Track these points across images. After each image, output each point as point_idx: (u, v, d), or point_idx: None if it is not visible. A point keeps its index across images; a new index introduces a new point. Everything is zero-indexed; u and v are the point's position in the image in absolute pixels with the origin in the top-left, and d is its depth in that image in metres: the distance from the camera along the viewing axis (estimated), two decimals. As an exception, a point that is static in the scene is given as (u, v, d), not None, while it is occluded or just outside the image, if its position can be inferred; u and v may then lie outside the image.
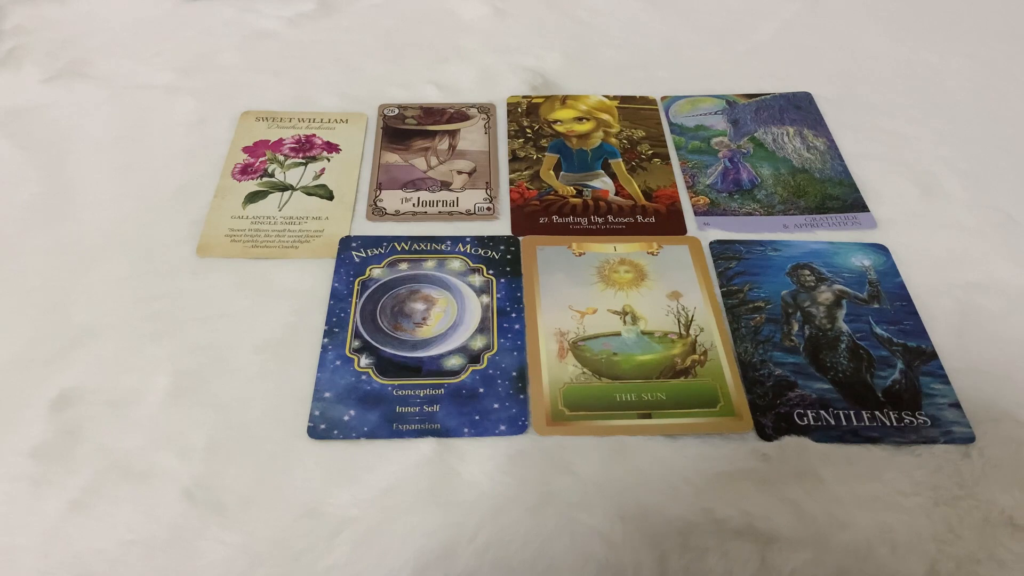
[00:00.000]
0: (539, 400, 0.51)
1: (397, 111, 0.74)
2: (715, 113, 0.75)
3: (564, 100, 0.76)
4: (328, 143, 0.70)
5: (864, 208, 0.66)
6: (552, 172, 0.69)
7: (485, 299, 0.58)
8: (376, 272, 0.59)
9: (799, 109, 0.76)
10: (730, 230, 0.64)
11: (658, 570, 0.43)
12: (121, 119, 0.72)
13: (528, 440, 0.50)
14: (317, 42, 0.82)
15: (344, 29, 0.84)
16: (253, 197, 0.65)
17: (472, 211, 0.65)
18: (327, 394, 0.51)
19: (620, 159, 0.70)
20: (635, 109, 0.76)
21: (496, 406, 0.51)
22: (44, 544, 0.44)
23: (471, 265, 0.60)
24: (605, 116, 0.75)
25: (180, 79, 0.76)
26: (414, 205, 0.65)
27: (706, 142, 0.72)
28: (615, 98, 0.76)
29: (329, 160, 0.69)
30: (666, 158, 0.71)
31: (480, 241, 0.62)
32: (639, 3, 0.89)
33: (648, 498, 0.46)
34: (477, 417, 0.50)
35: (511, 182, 0.68)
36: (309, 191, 0.66)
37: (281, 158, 0.69)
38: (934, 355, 0.55)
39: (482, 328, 0.56)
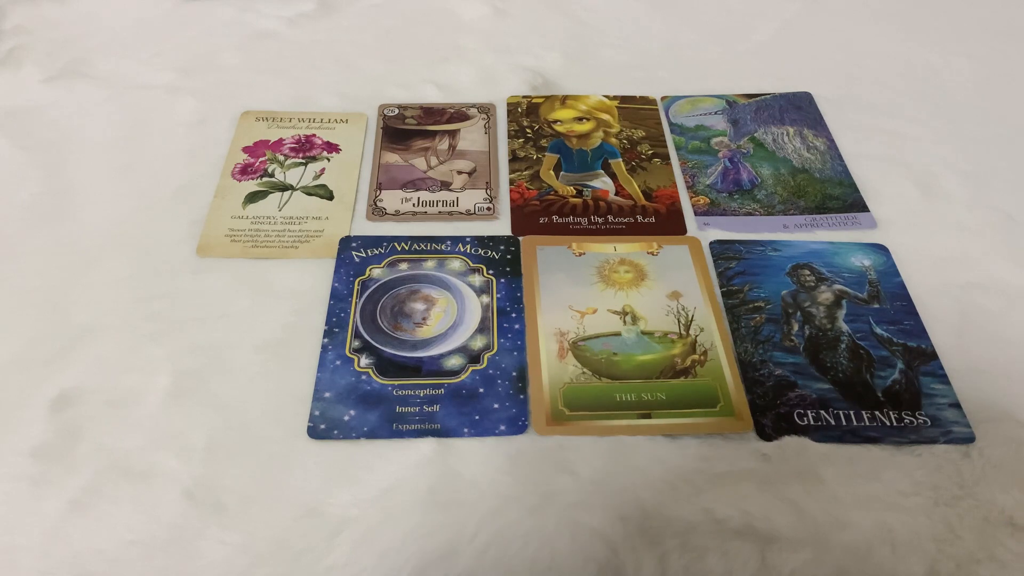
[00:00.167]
0: (539, 400, 0.51)
1: (397, 111, 0.74)
2: (715, 113, 0.75)
3: (564, 100, 0.76)
4: (328, 143, 0.70)
5: (864, 208, 0.66)
6: (552, 172, 0.69)
7: (485, 299, 0.58)
8: (376, 272, 0.59)
9: (799, 109, 0.76)
10: (730, 230, 0.64)
11: (658, 570, 0.43)
12: (121, 119, 0.72)
13: (528, 440, 0.50)
14: (317, 42, 0.82)
15: (344, 29, 0.84)
16: (253, 197, 0.65)
17: (472, 211, 0.65)
18: (327, 394, 0.51)
19: (620, 159, 0.70)
20: (635, 109, 0.76)
21: (496, 406, 0.51)
22: (44, 544, 0.44)
23: (471, 265, 0.60)
24: (605, 116, 0.75)
25: (180, 79, 0.76)
26: (414, 205, 0.65)
27: (706, 142, 0.72)
28: (615, 98, 0.76)
29: (329, 160, 0.69)
30: (666, 158, 0.71)
31: (480, 241, 0.62)
32: (639, 3, 0.89)
33: (648, 498, 0.46)
34: (477, 417, 0.50)
35: (511, 182, 0.68)
36: (309, 191, 0.66)
37: (281, 158, 0.69)
38: (934, 355, 0.55)
39: (482, 328, 0.56)
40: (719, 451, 0.49)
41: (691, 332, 0.56)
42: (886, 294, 0.59)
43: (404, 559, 0.44)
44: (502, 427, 0.50)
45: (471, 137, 0.72)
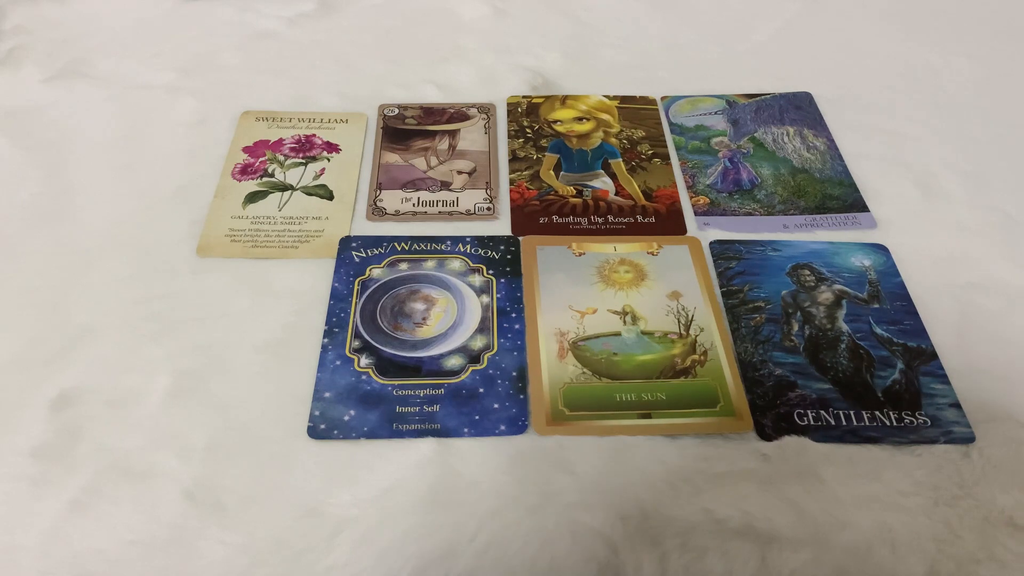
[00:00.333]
0: (539, 400, 0.51)
1: (397, 111, 0.74)
2: (715, 113, 0.75)
3: (564, 100, 0.76)
4: (328, 143, 0.70)
5: (864, 208, 0.66)
6: (552, 172, 0.69)
7: (485, 299, 0.58)
8: (376, 272, 0.59)
9: (799, 109, 0.76)
10: (730, 230, 0.64)
11: (658, 570, 0.43)
12: (121, 119, 0.72)
13: (528, 440, 0.50)
14: (317, 42, 0.82)
15: (344, 29, 0.84)
16: (253, 197, 0.65)
17: (472, 211, 0.65)
18: (327, 394, 0.51)
19: (620, 159, 0.70)
20: (635, 109, 0.76)
21: (496, 406, 0.51)
22: (44, 544, 0.44)
23: (471, 265, 0.60)
24: (605, 116, 0.75)
25: (180, 79, 0.76)
26: (414, 205, 0.65)
27: (706, 142, 0.72)
28: (615, 98, 0.76)
29: (329, 160, 0.69)
30: (666, 158, 0.71)
31: (480, 241, 0.62)
32: (639, 3, 0.89)
33: (648, 498, 0.46)
34: (477, 417, 0.50)
35: (511, 182, 0.68)
36: (309, 191, 0.66)
37: (281, 158, 0.69)
38: (934, 355, 0.55)
39: (482, 328, 0.56)
40: (719, 451, 0.49)
41: (691, 332, 0.56)
42: (886, 294, 0.59)
43: (404, 559, 0.44)
44: (502, 427, 0.50)
45: (471, 137, 0.72)
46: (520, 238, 0.62)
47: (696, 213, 0.65)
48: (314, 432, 0.49)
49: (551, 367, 0.53)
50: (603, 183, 0.68)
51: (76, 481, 0.46)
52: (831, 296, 0.58)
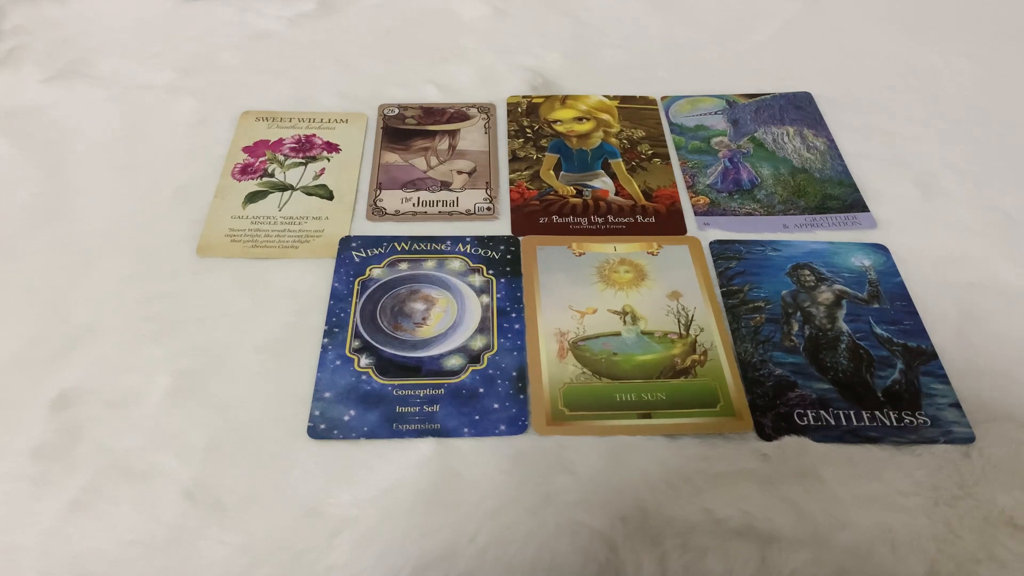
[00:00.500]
0: (539, 400, 0.51)
1: (397, 111, 0.74)
2: (715, 113, 0.75)
3: (564, 100, 0.76)
4: (328, 143, 0.70)
5: (864, 208, 0.66)
6: (552, 172, 0.69)
7: (485, 299, 0.58)
8: (376, 272, 0.59)
9: (799, 109, 0.76)
10: (730, 230, 0.64)
11: (658, 570, 0.43)
12: (121, 119, 0.72)
13: (528, 440, 0.50)
14: (317, 42, 0.82)
15: (344, 29, 0.84)
16: (253, 197, 0.65)
17: (472, 211, 0.65)
18: (327, 394, 0.51)
19: (620, 159, 0.70)
20: (635, 109, 0.76)
21: (496, 406, 0.51)
22: (44, 544, 0.44)
23: (471, 265, 0.60)
24: (605, 116, 0.75)
25: (180, 79, 0.76)
26: (414, 205, 0.65)
27: (706, 142, 0.72)
28: (615, 98, 0.76)
29: (329, 160, 0.69)
30: (666, 158, 0.71)
31: (480, 241, 0.62)
32: (639, 3, 0.89)
33: (648, 498, 0.46)
34: (477, 417, 0.50)
35: (511, 182, 0.68)
36: (309, 191, 0.66)
37: (281, 158, 0.69)
38: (934, 355, 0.55)
39: (482, 328, 0.56)
40: (719, 451, 0.49)
41: (691, 332, 0.56)
42: (886, 294, 0.59)
43: (404, 559, 0.44)
44: (502, 427, 0.50)
45: (471, 137, 0.72)
46: (520, 238, 0.62)
47: (696, 213, 0.65)
48: (314, 432, 0.49)
49: (551, 367, 0.53)
50: (603, 183, 0.68)
51: (76, 481, 0.46)
52: (831, 296, 0.58)
